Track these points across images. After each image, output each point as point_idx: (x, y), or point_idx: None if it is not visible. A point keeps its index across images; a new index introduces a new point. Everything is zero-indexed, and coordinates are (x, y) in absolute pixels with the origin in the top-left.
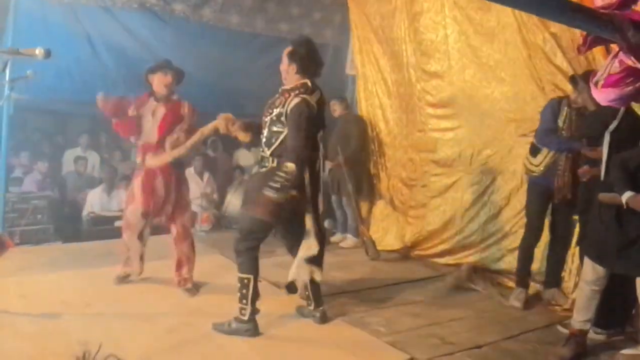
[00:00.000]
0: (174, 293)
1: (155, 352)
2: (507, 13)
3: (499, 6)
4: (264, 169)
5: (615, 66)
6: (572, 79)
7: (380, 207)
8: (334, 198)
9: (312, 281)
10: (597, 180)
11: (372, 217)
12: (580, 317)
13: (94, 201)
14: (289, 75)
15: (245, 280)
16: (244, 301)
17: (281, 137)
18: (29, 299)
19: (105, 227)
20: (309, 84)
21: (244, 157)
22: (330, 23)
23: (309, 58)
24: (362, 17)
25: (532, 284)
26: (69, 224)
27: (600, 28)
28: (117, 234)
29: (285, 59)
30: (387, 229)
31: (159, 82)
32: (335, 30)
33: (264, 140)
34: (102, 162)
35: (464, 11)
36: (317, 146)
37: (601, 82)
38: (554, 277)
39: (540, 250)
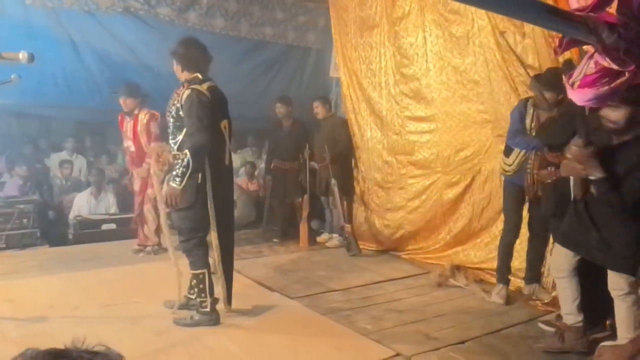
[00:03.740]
0: (162, 295)
1: (143, 355)
2: (482, 16)
3: (474, 9)
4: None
5: (591, 67)
6: (531, 80)
7: (358, 208)
8: (323, 199)
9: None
10: (566, 183)
11: (354, 217)
12: (564, 310)
13: (81, 205)
14: (178, 74)
15: (201, 276)
16: (203, 295)
17: (184, 131)
18: (16, 303)
19: (92, 231)
20: (200, 76)
21: None
22: (314, 26)
23: (188, 56)
24: (341, 22)
25: (513, 279)
26: (55, 228)
27: (575, 30)
28: (104, 237)
29: (173, 61)
30: (366, 230)
31: (122, 104)
32: (318, 33)
33: (171, 140)
34: (89, 166)
35: (441, 14)
36: (222, 137)
37: (577, 83)
38: (534, 273)
39: (520, 247)
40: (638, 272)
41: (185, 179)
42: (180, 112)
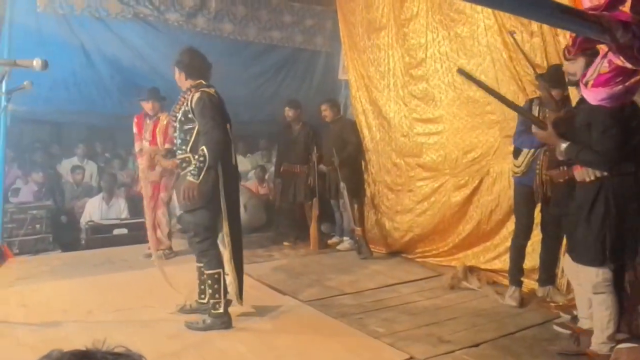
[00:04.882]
0: (173, 299)
1: (156, 358)
2: (488, 15)
3: (480, 8)
4: (188, 169)
5: (605, 66)
6: (537, 79)
7: (369, 211)
8: (333, 202)
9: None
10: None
11: (366, 219)
12: (580, 314)
13: (93, 210)
14: (181, 82)
15: (216, 276)
16: (217, 295)
17: (194, 132)
18: (30, 309)
19: (104, 236)
20: (203, 82)
21: (240, 164)
22: (322, 30)
23: (192, 64)
24: (348, 24)
25: (527, 281)
26: (67, 233)
27: (589, 29)
28: (115, 242)
29: (175, 70)
30: (377, 233)
31: (145, 107)
32: (326, 36)
33: (179, 143)
34: (100, 171)
35: (447, 14)
36: (229, 138)
37: (591, 82)
38: (547, 274)
39: (532, 249)
40: (607, 264)
41: (202, 173)
42: (190, 115)
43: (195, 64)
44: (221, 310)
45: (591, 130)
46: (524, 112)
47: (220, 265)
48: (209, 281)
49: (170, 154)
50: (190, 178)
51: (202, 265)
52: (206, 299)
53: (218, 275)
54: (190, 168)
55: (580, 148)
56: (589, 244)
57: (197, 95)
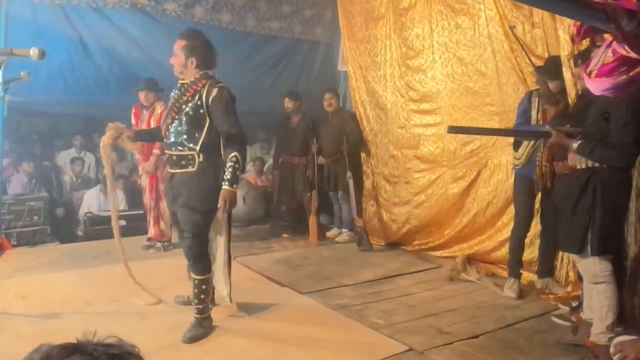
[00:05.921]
0: (173, 292)
1: (155, 350)
2: (490, 6)
3: None
4: (190, 168)
5: (609, 55)
6: (535, 72)
7: (368, 202)
8: (331, 194)
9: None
10: None
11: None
12: (584, 303)
13: (91, 201)
14: (188, 69)
15: (209, 279)
16: (207, 300)
17: (204, 129)
18: (28, 300)
19: (102, 227)
20: (209, 74)
21: None
22: (321, 20)
23: (207, 49)
24: (347, 14)
25: (526, 273)
26: (65, 225)
27: (594, 18)
28: (113, 233)
29: (180, 54)
30: (376, 225)
31: (142, 98)
32: (325, 27)
33: (184, 138)
34: (98, 163)
35: (448, 4)
36: None
37: (594, 72)
38: (546, 266)
39: (529, 241)
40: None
41: (239, 180)
42: (202, 110)
43: (208, 52)
44: (210, 313)
45: (609, 122)
46: (524, 134)
47: (211, 268)
48: (203, 286)
49: (139, 136)
50: (228, 187)
51: (196, 269)
52: (196, 303)
53: (210, 279)
54: (194, 169)
55: (592, 145)
56: (571, 231)
57: (215, 90)
